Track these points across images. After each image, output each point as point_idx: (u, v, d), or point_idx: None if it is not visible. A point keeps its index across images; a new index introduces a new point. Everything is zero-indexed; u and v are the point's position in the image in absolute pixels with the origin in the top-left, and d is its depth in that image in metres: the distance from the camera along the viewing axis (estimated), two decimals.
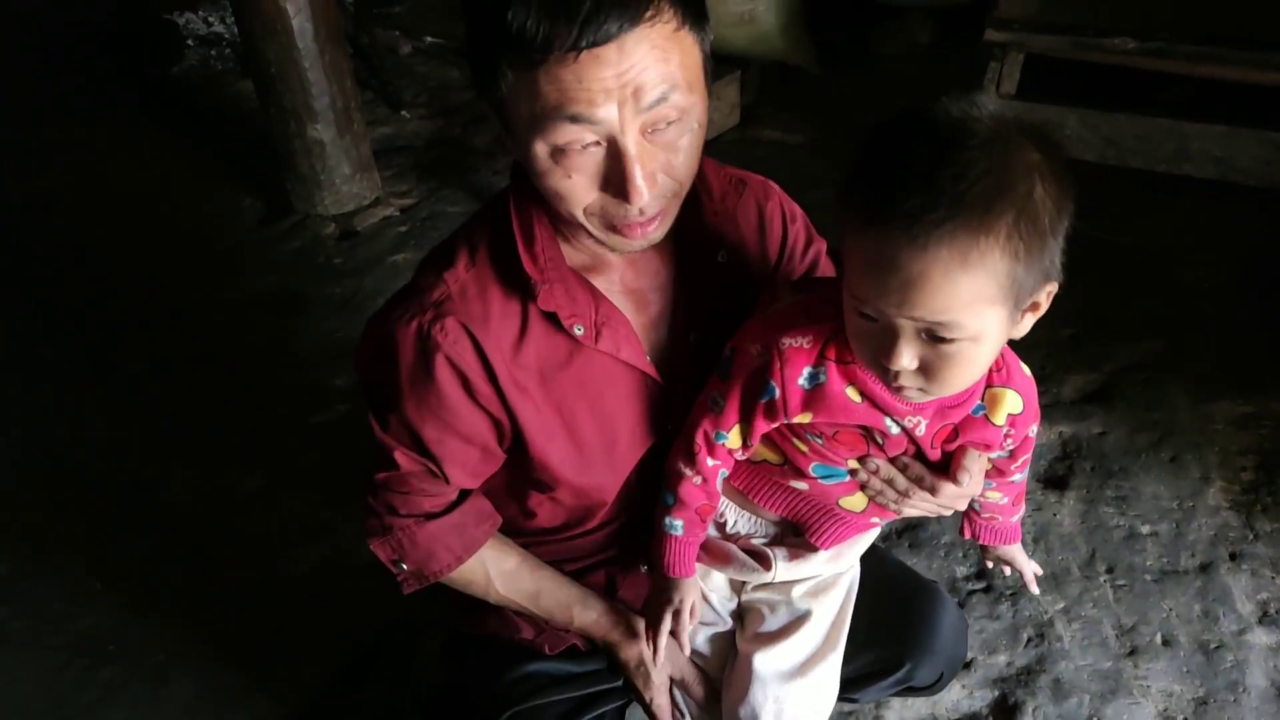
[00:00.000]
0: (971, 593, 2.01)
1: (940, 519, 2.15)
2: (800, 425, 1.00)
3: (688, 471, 1.05)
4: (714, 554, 1.14)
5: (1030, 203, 0.77)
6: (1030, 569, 1.23)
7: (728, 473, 1.08)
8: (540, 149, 0.87)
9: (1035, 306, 0.85)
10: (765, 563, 1.12)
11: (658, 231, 0.94)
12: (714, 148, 3.74)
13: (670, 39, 0.83)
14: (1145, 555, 2.07)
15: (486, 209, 1.08)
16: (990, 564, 1.26)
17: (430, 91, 4.22)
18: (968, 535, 1.19)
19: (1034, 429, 1.00)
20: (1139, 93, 3.25)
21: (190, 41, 4.87)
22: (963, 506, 1.09)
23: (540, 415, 1.06)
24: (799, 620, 1.14)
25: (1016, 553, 1.22)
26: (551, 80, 0.81)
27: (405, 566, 1.15)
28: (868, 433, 0.97)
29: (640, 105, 0.83)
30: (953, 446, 0.99)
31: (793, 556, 1.11)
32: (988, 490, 1.10)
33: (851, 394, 0.94)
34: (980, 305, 0.79)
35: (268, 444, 2.45)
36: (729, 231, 1.10)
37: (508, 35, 0.80)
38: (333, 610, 2.04)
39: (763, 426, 1.00)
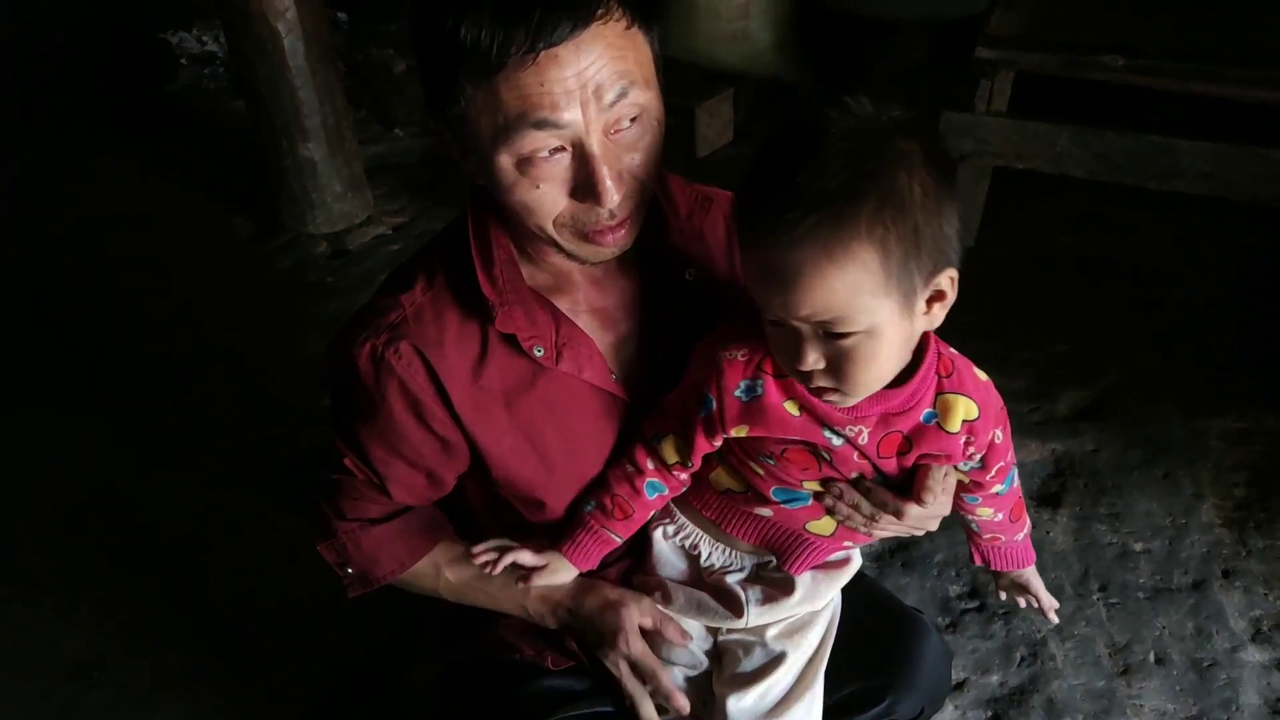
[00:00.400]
0: (964, 612, 2.00)
1: (932, 538, 2.14)
2: (751, 447, 0.99)
3: (622, 459, 1.07)
4: (685, 602, 1.12)
5: (894, 191, 0.77)
6: (1048, 600, 1.18)
7: (665, 489, 1.06)
8: (505, 161, 0.87)
9: (941, 295, 0.85)
10: (737, 608, 1.09)
11: (628, 236, 0.94)
12: (708, 165, 3.75)
13: (623, 36, 0.85)
14: (1138, 573, 2.06)
15: (446, 232, 1.08)
16: (1004, 594, 1.20)
17: (423, 109, 4.23)
18: (978, 561, 1.16)
19: (998, 434, 0.98)
20: (1130, 109, 3.27)
21: (184, 60, 4.87)
22: (933, 526, 1.06)
23: (507, 438, 1.05)
24: (774, 662, 1.11)
25: (1031, 578, 1.17)
26: (512, 87, 0.82)
27: (350, 570, 1.15)
28: (814, 449, 0.96)
29: (602, 103, 0.84)
30: (910, 459, 0.97)
31: (766, 599, 1.08)
32: (976, 508, 1.08)
33: (790, 408, 0.93)
34: (862, 297, 0.79)
35: (258, 465, 2.44)
36: (696, 249, 1.10)
37: (463, 49, 0.81)
38: (323, 634, 2.02)
39: (703, 444, 1.00)
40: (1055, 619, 1.19)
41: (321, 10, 3.12)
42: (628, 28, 0.85)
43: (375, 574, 1.15)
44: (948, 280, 0.84)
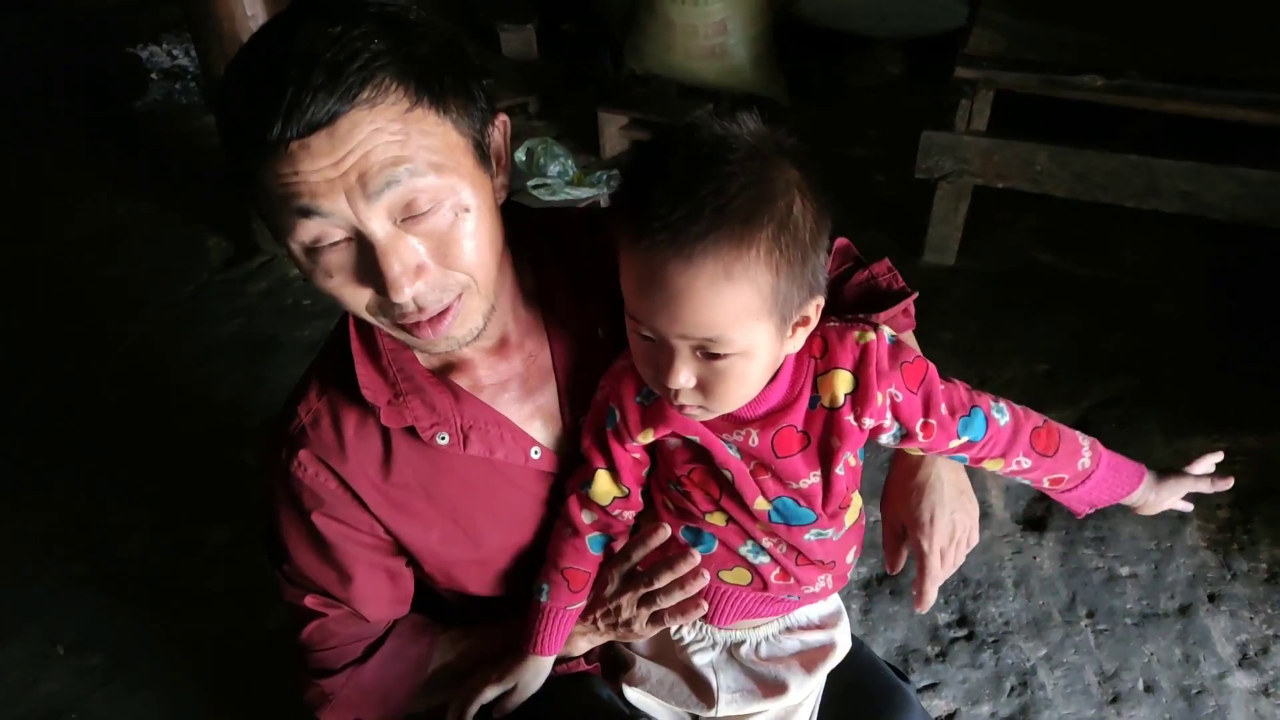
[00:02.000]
0: (954, 640, 1.99)
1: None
2: (663, 475, 0.98)
3: (560, 524, 1.02)
4: (658, 683, 1.08)
5: (790, 217, 0.78)
6: (1200, 481, 1.10)
7: (611, 537, 1.03)
8: (295, 248, 0.81)
9: (805, 320, 0.86)
10: (708, 697, 1.04)
11: (458, 329, 0.87)
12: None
13: (400, 119, 0.76)
14: (1125, 598, 2.06)
15: (335, 331, 1.02)
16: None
17: None
18: (1082, 513, 1.07)
19: (897, 393, 0.90)
20: (1106, 126, 3.29)
21: (154, 75, 4.81)
22: (944, 577, 1.06)
23: (433, 530, 1.01)
24: None
25: (1157, 495, 1.07)
26: (271, 174, 0.76)
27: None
28: (714, 470, 0.94)
29: (368, 191, 0.76)
30: (833, 459, 0.92)
31: (741, 690, 1.04)
32: (981, 465, 0.98)
33: None
34: (747, 319, 0.79)
35: (234, 497, 2.39)
36: (607, 304, 0.97)
37: (228, 129, 0.77)
38: None
39: (626, 460, 0.98)
40: (1215, 485, 1.11)
41: None
42: (409, 109, 0.76)
43: (394, 702, 1.09)
44: (814, 307, 0.86)
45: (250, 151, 0.76)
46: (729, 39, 3.83)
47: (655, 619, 1.03)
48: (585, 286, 1.02)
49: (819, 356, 0.92)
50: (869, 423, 0.91)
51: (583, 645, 1.11)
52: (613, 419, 0.96)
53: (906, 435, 0.93)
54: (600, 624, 1.07)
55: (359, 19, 0.77)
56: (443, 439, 0.95)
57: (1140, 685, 1.89)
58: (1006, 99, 2.90)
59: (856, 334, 0.91)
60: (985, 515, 2.25)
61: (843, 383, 0.90)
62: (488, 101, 0.85)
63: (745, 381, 0.86)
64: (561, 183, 3.37)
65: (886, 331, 0.92)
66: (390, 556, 1.03)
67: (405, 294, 0.80)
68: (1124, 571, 2.12)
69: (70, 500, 2.44)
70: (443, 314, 0.85)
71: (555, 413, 1.03)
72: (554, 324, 1.03)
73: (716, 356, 0.81)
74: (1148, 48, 2.81)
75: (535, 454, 1.01)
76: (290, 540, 1.01)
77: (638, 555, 1.03)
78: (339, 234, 0.79)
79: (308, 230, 0.79)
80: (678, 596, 1.00)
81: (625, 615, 1.04)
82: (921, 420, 0.92)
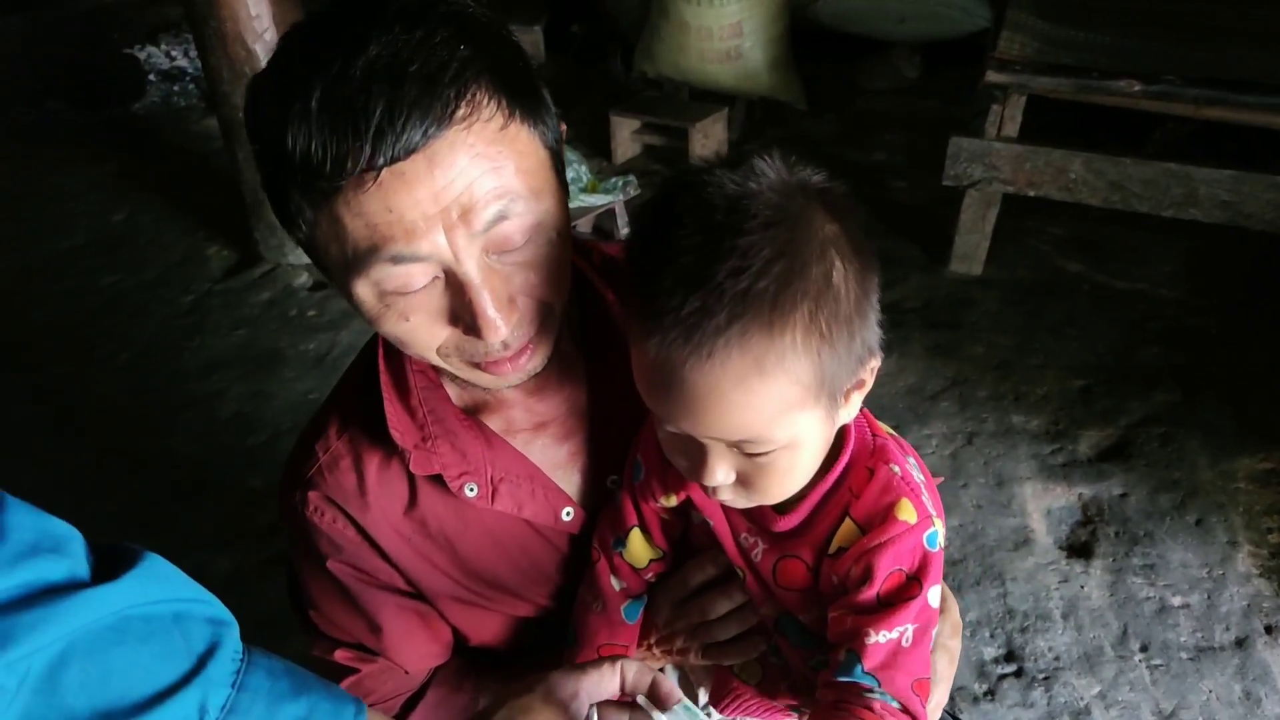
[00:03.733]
0: (1002, 677, 1.89)
1: (962, 595, 2.04)
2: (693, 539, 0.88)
3: (586, 595, 0.91)
4: None
5: (829, 288, 0.64)
6: None
7: (639, 608, 0.90)
8: (365, 292, 0.70)
9: (860, 384, 0.73)
10: None
11: (533, 362, 0.78)
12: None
13: (497, 141, 0.67)
14: (1179, 630, 1.96)
15: (357, 362, 0.93)
16: None
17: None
18: None
19: (899, 568, 0.73)
20: (1132, 131, 3.20)
21: (152, 77, 4.70)
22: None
23: (456, 582, 0.92)
24: None
25: None
26: (355, 213, 0.65)
27: None
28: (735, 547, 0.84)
29: (473, 229, 0.67)
30: (803, 583, 0.78)
31: None
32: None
33: None
34: (787, 414, 0.66)
35: (238, 522, 2.28)
36: None
37: (292, 162, 0.64)
38: None
39: (657, 521, 0.87)
40: None
41: None
42: (504, 126, 0.67)
43: None
44: (869, 371, 0.72)
45: (318, 186, 0.64)
46: (745, 41, 3.74)
47: (711, 652, 0.93)
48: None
49: (855, 496, 0.76)
50: (856, 575, 0.74)
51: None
52: (638, 474, 0.86)
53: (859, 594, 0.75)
54: (655, 650, 0.96)
55: (434, 21, 0.66)
56: (471, 490, 0.86)
57: None
58: (1031, 102, 2.80)
59: (910, 475, 0.75)
60: (1027, 542, 2.15)
61: (849, 533, 0.75)
62: (551, 102, 0.75)
63: (793, 472, 0.73)
64: (576, 189, 3.27)
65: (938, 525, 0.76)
66: (418, 601, 0.94)
67: (502, 332, 0.71)
68: (1176, 601, 2.02)
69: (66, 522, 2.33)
70: (524, 348, 0.76)
71: (586, 464, 0.93)
72: (594, 364, 0.91)
73: (757, 453, 0.69)
74: (1183, 51, 2.71)
75: (567, 515, 0.91)
76: (313, 588, 0.93)
77: (695, 579, 0.91)
78: (426, 276, 0.69)
79: (393, 277, 0.68)
80: (735, 628, 0.90)
81: (680, 645, 0.94)
82: (902, 620, 0.73)
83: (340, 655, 0.94)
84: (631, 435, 0.89)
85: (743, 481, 0.72)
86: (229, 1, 2.75)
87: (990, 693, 1.86)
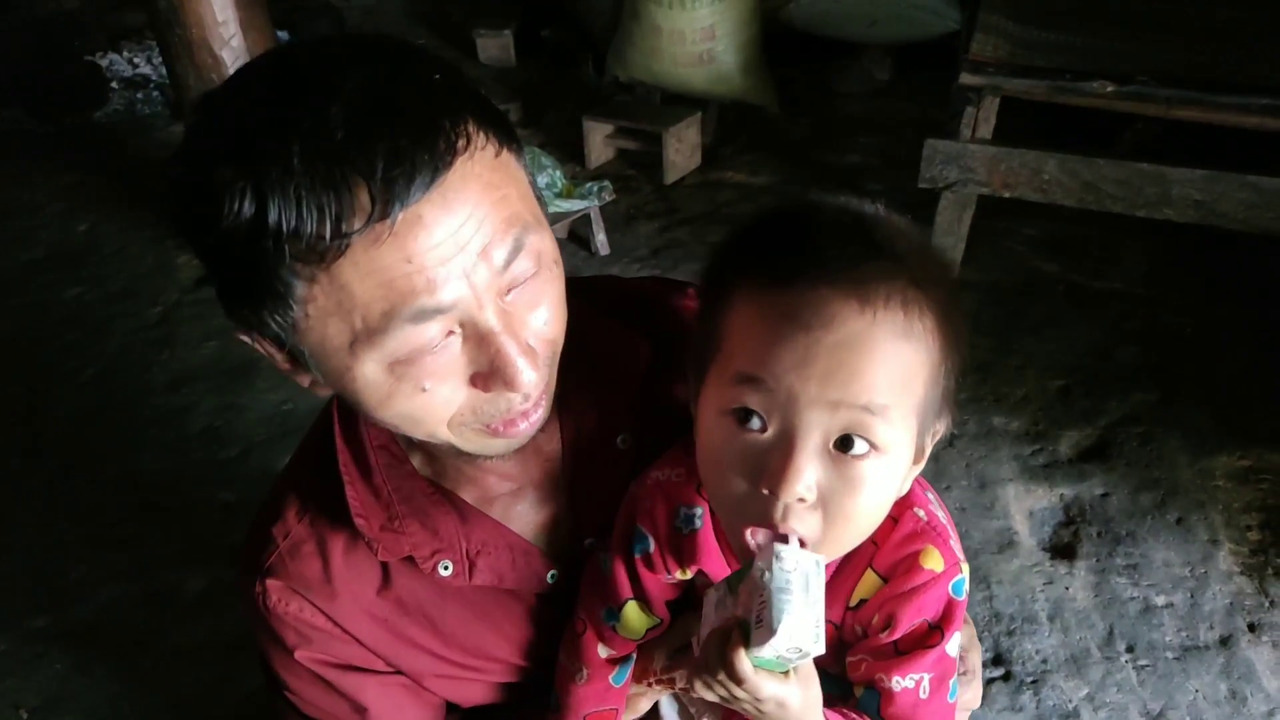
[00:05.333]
0: (990, 681, 1.88)
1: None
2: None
3: (571, 665, 0.85)
4: None
5: (954, 300, 0.67)
6: None
7: (628, 671, 0.86)
8: (373, 371, 0.64)
9: (920, 453, 0.70)
10: None
11: (542, 411, 0.74)
12: (678, 191, 3.62)
13: (498, 169, 0.64)
14: (1164, 630, 1.96)
15: (311, 435, 0.88)
16: None
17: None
18: None
19: (920, 619, 0.71)
20: (1104, 132, 3.22)
21: (115, 84, 4.62)
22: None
23: (440, 660, 0.88)
24: None
25: None
26: (366, 272, 0.59)
27: None
28: None
29: (494, 265, 0.63)
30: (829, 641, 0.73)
31: None
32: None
33: (727, 552, 0.76)
34: (910, 399, 0.64)
35: (211, 539, 2.22)
36: (631, 403, 0.85)
37: (279, 235, 0.56)
38: None
39: (660, 590, 0.80)
40: None
41: (270, 35, 2.92)
42: (497, 154, 0.64)
43: None
44: (934, 433, 0.71)
45: (319, 252, 0.57)
46: (717, 45, 3.73)
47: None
48: (609, 375, 0.85)
49: (877, 545, 0.73)
50: (873, 626, 0.73)
51: (644, 705, 0.95)
52: (643, 546, 0.79)
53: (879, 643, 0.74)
54: (656, 686, 0.92)
55: (396, 57, 0.62)
56: (446, 569, 0.81)
57: None
58: (1006, 105, 2.81)
59: (948, 550, 0.72)
60: (1011, 544, 2.15)
61: (871, 584, 0.73)
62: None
63: (875, 499, 0.66)
64: (550, 195, 3.23)
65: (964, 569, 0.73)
66: (400, 676, 0.90)
67: (531, 378, 0.66)
68: (1160, 601, 2.02)
69: (30, 548, 2.27)
70: (538, 400, 0.71)
71: (566, 526, 0.88)
72: (567, 420, 0.85)
73: (852, 452, 0.63)
74: (1156, 52, 2.73)
75: (552, 579, 0.87)
76: (285, 675, 0.87)
77: (700, 631, 0.88)
78: (442, 334, 0.63)
79: (409, 342, 0.62)
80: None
81: (681, 684, 0.89)
82: (923, 669, 0.72)
83: None
84: (609, 493, 0.84)
85: (824, 501, 0.65)
86: (195, 8, 2.70)
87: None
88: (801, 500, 0.64)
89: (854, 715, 0.74)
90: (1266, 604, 2.00)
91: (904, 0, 3.88)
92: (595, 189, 3.24)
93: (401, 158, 0.57)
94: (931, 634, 0.71)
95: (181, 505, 2.34)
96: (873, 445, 0.64)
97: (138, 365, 2.85)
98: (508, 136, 0.66)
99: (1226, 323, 2.78)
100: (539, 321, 0.69)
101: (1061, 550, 2.15)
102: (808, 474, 0.63)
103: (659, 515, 0.77)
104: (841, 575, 0.74)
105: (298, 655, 0.84)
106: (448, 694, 0.92)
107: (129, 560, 2.20)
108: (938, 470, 2.30)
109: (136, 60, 4.75)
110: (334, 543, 0.82)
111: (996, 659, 1.92)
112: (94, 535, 2.28)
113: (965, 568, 0.73)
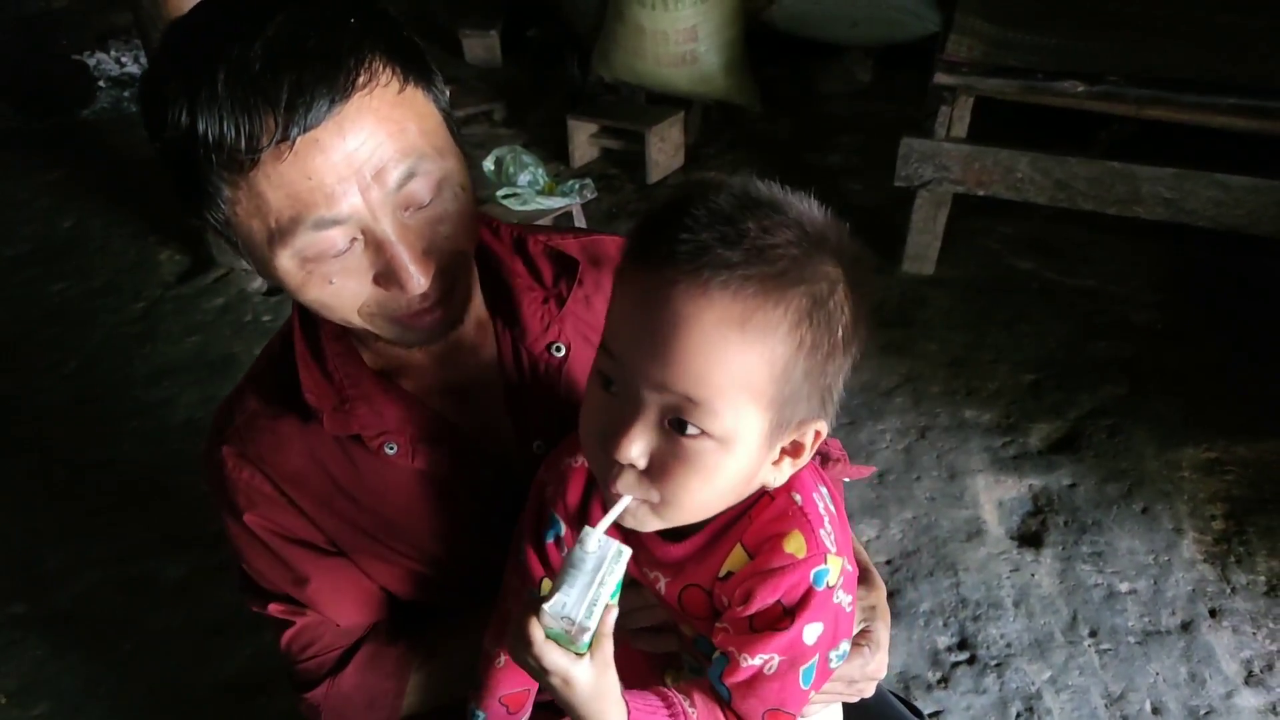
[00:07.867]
0: (955, 665, 1.91)
1: (917, 586, 2.06)
2: None
3: (491, 650, 0.87)
4: None
5: (827, 302, 0.65)
6: None
7: None
8: (288, 263, 0.74)
9: (797, 449, 0.71)
10: None
11: (449, 315, 0.83)
12: (661, 190, 3.65)
13: (398, 105, 0.73)
14: (1127, 615, 2.00)
15: (276, 338, 0.97)
16: None
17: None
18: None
19: (768, 654, 0.72)
20: (1080, 131, 3.26)
21: (102, 83, 4.63)
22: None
23: (374, 539, 0.94)
24: None
25: None
26: (276, 185, 0.70)
27: None
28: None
29: (386, 187, 0.73)
30: (706, 610, 0.77)
31: None
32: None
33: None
34: (743, 393, 0.64)
35: (190, 528, 2.24)
36: (576, 320, 0.94)
37: (206, 144, 0.68)
38: (266, 716, 1.85)
39: None
40: None
41: None
42: (400, 91, 0.73)
43: (384, 709, 0.99)
44: (813, 434, 0.71)
45: (236, 162, 0.69)
46: (700, 46, 3.76)
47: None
48: (549, 291, 0.94)
49: (751, 520, 0.75)
50: (727, 603, 0.75)
51: None
52: (555, 530, 0.82)
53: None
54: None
55: (324, 2, 0.72)
56: (391, 449, 0.90)
57: (1148, 707, 1.83)
58: (980, 104, 2.86)
59: (825, 537, 0.73)
60: (979, 533, 2.18)
61: (736, 559, 0.74)
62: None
63: (708, 481, 0.68)
64: (532, 192, 3.26)
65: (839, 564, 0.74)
66: (340, 557, 0.96)
67: (422, 283, 0.77)
68: (1124, 588, 2.06)
69: (8, 535, 2.28)
70: (438, 300, 0.81)
71: (504, 434, 0.95)
72: (503, 327, 0.94)
73: (685, 431, 0.65)
74: (1127, 53, 2.78)
75: (484, 472, 0.94)
76: (239, 541, 0.95)
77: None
78: (346, 239, 0.74)
79: (315, 244, 0.73)
80: (645, 620, 0.89)
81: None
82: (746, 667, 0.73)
83: (274, 609, 0.96)
84: (545, 401, 0.91)
85: (653, 471, 0.67)
86: (179, 7, 2.72)
87: (944, 680, 1.88)
88: (633, 466, 0.67)
89: (674, 695, 0.74)
90: (1228, 590, 2.04)
91: (885, 2, 3.92)
92: (577, 186, 3.28)
93: (304, 90, 0.67)
94: (783, 618, 0.72)
95: (160, 494, 2.36)
96: (704, 432, 0.66)
97: (120, 358, 2.87)
98: (420, 76, 0.75)
99: (1195, 319, 2.83)
100: (439, 234, 0.78)
101: (1029, 539, 2.18)
102: (636, 444, 0.66)
103: (570, 499, 0.81)
104: (715, 546, 0.76)
105: (246, 518, 0.91)
106: (379, 576, 0.97)
107: (108, 548, 2.22)
108: (909, 461, 2.34)
109: (123, 59, 4.77)
110: (287, 420, 0.90)
111: (962, 643, 1.95)
112: (73, 523, 2.29)
113: (837, 562, 0.73)
